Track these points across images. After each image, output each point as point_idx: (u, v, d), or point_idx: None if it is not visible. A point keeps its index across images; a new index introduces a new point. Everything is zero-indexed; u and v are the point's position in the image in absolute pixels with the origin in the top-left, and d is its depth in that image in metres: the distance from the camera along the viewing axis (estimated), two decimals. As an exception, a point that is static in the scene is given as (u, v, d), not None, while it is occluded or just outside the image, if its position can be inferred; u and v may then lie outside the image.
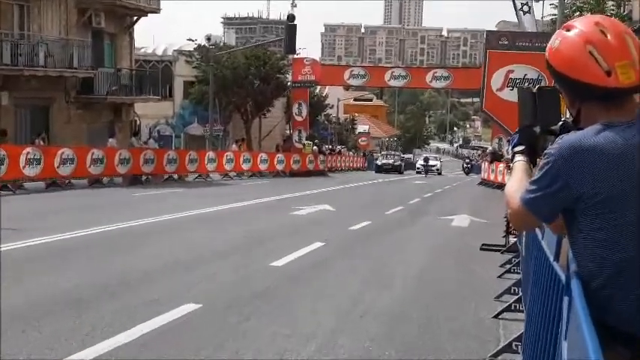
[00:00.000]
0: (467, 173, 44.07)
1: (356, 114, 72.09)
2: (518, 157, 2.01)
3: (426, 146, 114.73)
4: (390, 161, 44.29)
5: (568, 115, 1.94)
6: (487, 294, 6.42)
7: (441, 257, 8.69)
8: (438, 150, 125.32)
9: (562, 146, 1.75)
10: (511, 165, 2.03)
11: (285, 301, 5.64)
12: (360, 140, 64.70)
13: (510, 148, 2.06)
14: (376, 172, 40.68)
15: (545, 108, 1.99)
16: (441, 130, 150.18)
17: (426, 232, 11.53)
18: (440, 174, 45.26)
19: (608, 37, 1.76)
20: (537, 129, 2.02)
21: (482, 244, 9.56)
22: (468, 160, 48.46)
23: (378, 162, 43.83)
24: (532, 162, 1.99)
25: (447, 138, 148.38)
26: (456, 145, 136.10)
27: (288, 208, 14.18)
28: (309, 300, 5.76)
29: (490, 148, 34.28)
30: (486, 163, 30.70)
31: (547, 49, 1.87)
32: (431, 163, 46.83)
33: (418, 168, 46.41)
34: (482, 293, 6.47)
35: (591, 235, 1.75)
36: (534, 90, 2.03)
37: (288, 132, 44.66)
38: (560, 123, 1.97)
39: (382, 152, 49.79)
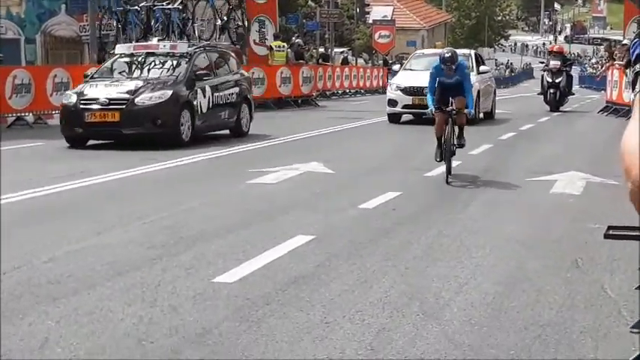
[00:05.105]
0: (554, 105, 32.18)
1: (367, -14, 71.81)
2: None
3: (501, 42, 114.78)
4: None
5: None
6: (618, 321, 6.54)
7: (534, 257, 8.80)
8: (522, 48, 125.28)
9: None
10: (633, 97, 2.00)
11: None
12: (377, 36, 64.55)
13: (632, 61, 2.01)
14: None
15: None
16: (531, 10, 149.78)
17: (506, 207, 11.75)
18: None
19: None
20: None
21: (610, 227, 9.58)
22: (553, 65, 32.58)
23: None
24: None
25: (540, 26, 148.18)
26: (557, 35, 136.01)
27: (241, 172, 14.31)
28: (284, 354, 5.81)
29: (625, 40, 34.18)
30: (615, 71, 30.75)
31: None
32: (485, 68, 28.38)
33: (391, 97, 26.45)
34: (609, 321, 6.59)
35: None
36: None
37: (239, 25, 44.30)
38: None
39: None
